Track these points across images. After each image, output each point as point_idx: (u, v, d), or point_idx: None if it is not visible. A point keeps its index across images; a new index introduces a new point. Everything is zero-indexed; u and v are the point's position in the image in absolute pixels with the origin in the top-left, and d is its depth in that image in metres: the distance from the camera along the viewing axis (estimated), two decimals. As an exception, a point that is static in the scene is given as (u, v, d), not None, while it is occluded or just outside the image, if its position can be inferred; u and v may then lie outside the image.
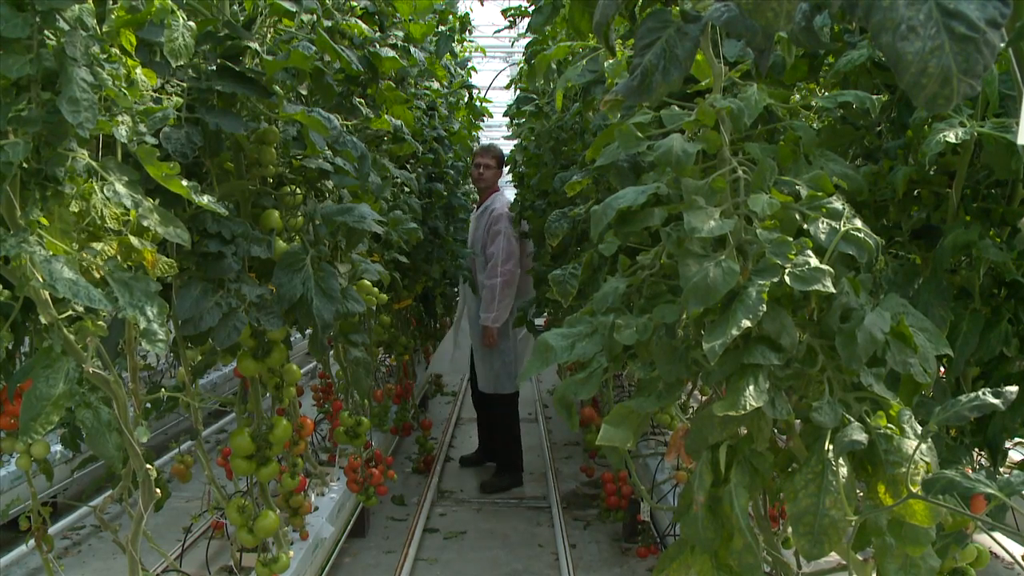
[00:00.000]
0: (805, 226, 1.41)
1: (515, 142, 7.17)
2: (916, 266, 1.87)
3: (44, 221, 1.58)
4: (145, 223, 1.69)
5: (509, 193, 6.37)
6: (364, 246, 3.20)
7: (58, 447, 4.35)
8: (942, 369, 1.81)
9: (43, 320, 1.60)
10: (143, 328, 1.59)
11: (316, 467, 4.21)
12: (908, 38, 0.87)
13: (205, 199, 1.85)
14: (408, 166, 4.66)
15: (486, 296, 5.42)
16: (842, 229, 1.37)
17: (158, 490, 2.02)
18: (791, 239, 1.34)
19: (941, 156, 1.78)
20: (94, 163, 1.62)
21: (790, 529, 1.30)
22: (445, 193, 5.31)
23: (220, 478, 3.10)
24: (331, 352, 3.92)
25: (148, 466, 1.92)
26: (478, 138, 8.27)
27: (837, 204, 1.42)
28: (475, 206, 5.95)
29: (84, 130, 1.47)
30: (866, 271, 1.45)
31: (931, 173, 1.86)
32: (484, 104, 7.07)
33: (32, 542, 2.15)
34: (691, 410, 3.50)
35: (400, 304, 5.18)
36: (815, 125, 2.11)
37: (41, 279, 1.47)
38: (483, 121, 7.22)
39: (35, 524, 2.14)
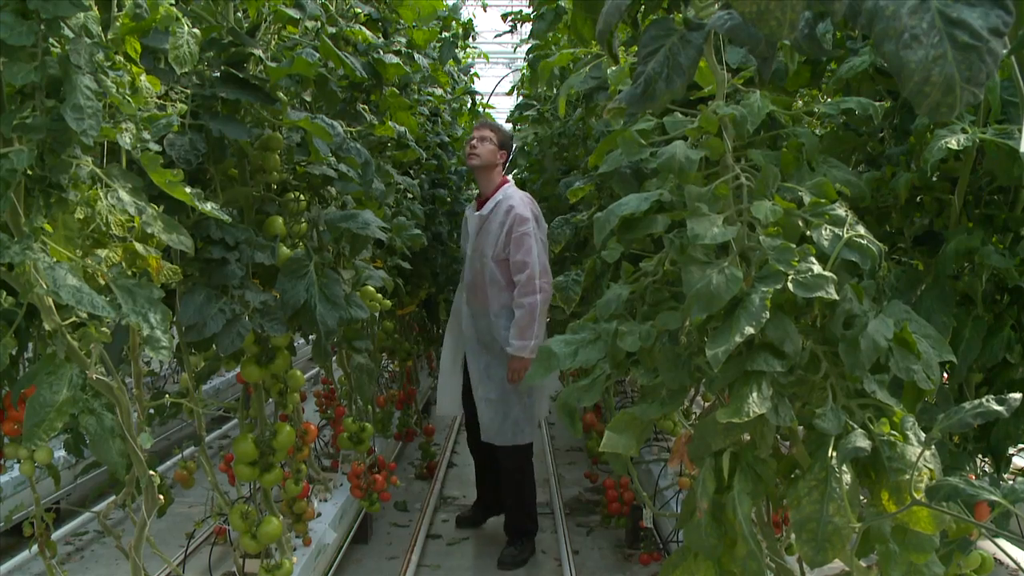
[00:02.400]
0: (808, 233, 1.41)
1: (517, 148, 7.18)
2: (919, 272, 1.87)
3: (48, 228, 1.58)
4: (149, 230, 1.69)
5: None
6: (367, 252, 3.21)
7: (61, 453, 4.36)
8: (945, 375, 1.81)
9: (47, 326, 1.60)
10: (147, 335, 1.59)
11: (319, 473, 4.21)
12: (911, 47, 0.87)
13: (209, 206, 1.85)
14: (411, 172, 4.67)
15: (521, 319, 4.08)
16: (845, 236, 1.37)
17: (161, 496, 2.02)
18: (794, 246, 1.34)
19: (943, 162, 1.78)
20: (98, 170, 1.63)
21: (793, 536, 1.30)
22: (448, 199, 5.32)
23: (223, 484, 3.10)
24: (334, 358, 3.92)
25: (151, 472, 1.93)
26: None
27: (840, 211, 1.42)
28: (477, 203, 4.44)
29: (88, 137, 1.47)
30: (869, 278, 1.45)
31: (933, 179, 1.86)
32: (487, 110, 7.09)
33: (35, 548, 2.15)
34: (694, 416, 3.50)
35: (403, 310, 5.19)
36: (818, 132, 2.12)
37: (45, 286, 1.47)
38: (486, 127, 7.22)
39: (38, 530, 2.14)
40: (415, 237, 3.75)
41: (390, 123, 3.26)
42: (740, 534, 1.33)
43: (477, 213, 4.31)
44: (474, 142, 4.23)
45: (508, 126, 4.71)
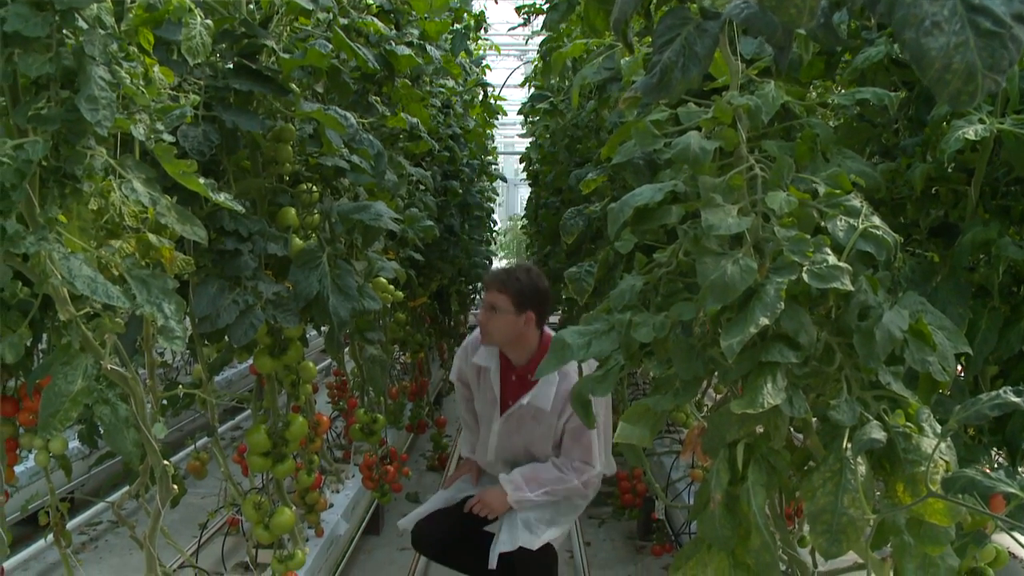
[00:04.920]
0: (823, 224, 1.40)
1: (529, 140, 7.18)
2: (934, 264, 1.86)
3: (63, 219, 1.59)
4: (162, 221, 1.70)
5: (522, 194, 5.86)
6: (380, 243, 3.21)
7: (75, 443, 4.38)
8: (960, 368, 1.80)
9: (62, 317, 1.61)
10: (161, 325, 1.59)
11: (331, 464, 4.23)
12: (932, 34, 0.86)
13: (222, 197, 1.86)
14: (423, 164, 4.67)
15: (552, 479, 3.05)
16: (860, 227, 1.37)
17: (175, 486, 2.03)
18: (809, 237, 1.34)
19: (960, 153, 1.77)
20: (112, 161, 1.63)
21: (807, 527, 1.29)
22: (460, 191, 5.32)
23: (236, 475, 3.11)
24: (347, 349, 3.93)
25: (165, 462, 1.93)
26: (493, 136, 8.27)
27: (855, 202, 1.42)
28: (505, 366, 3.25)
29: (102, 128, 1.48)
30: (884, 269, 1.44)
31: (949, 170, 1.85)
32: (499, 102, 7.08)
33: (50, 537, 2.17)
34: (706, 408, 3.49)
35: (415, 302, 5.19)
36: (832, 122, 2.11)
37: (60, 276, 1.48)
38: (498, 119, 7.22)
39: (53, 519, 2.16)
40: (427, 228, 3.75)
41: (402, 114, 3.25)
42: (754, 525, 1.33)
43: (528, 402, 3.10)
44: (482, 316, 3.15)
45: (528, 280, 3.10)
